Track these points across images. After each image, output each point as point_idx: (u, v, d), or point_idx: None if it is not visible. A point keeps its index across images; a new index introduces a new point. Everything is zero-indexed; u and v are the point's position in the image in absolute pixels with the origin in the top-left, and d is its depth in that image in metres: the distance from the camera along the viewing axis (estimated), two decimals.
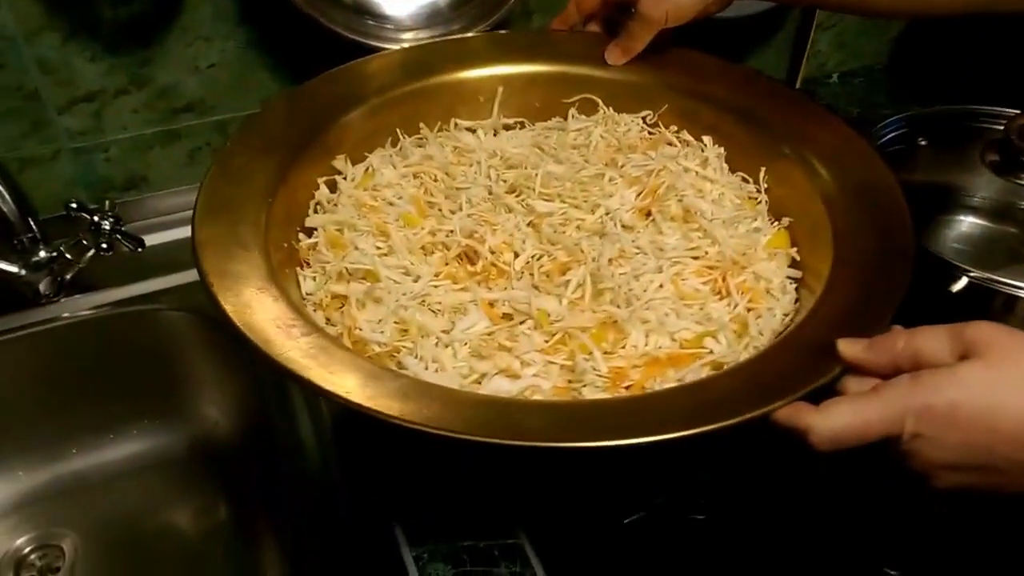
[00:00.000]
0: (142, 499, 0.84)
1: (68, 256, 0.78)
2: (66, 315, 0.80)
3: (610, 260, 0.58)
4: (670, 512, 0.63)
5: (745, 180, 0.69)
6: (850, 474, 0.58)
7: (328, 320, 0.58)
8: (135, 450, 0.88)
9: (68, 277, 0.80)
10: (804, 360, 0.48)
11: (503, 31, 0.81)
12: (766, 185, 0.68)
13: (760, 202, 0.67)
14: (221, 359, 0.85)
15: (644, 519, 0.60)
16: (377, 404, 0.44)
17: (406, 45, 0.77)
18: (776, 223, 0.65)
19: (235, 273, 0.53)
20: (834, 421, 0.41)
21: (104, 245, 0.79)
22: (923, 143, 0.73)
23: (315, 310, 0.58)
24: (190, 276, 0.84)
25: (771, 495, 0.64)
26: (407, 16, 0.80)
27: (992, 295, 0.62)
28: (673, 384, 0.52)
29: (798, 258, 0.62)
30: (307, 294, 0.59)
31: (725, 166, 0.70)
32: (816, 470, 0.53)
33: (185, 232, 0.89)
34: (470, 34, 0.79)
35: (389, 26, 0.79)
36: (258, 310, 0.51)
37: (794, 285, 0.60)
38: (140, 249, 0.82)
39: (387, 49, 0.77)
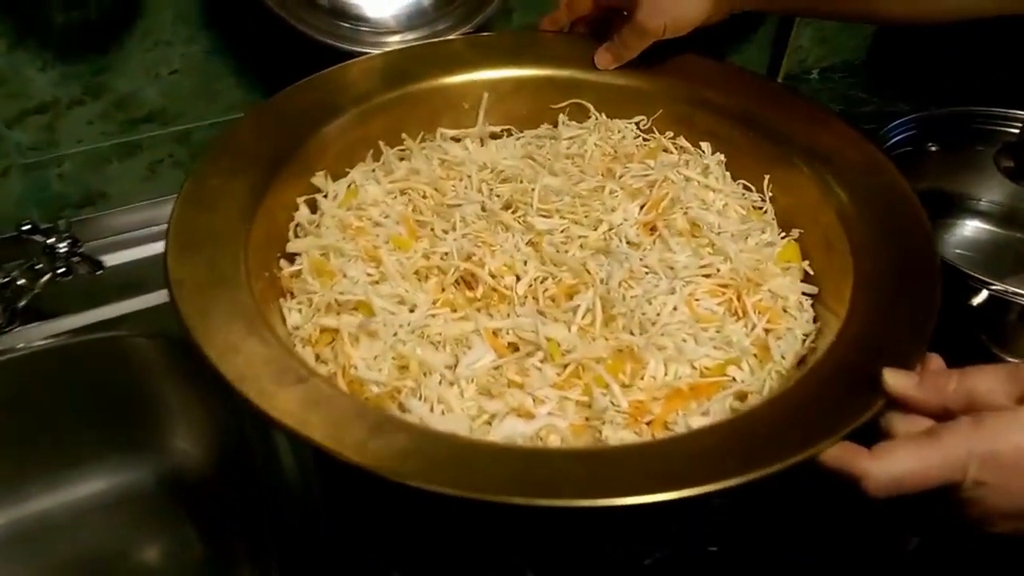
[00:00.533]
0: (111, 540, 0.78)
1: (21, 281, 0.73)
2: (21, 346, 0.74)
3: (620, 282, 0.55)
4: (684, 542, 0.60)
5: (747, 188, 0.66)
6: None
7: (318, 357, 0.53)
8: (101, 487, 0.83)
9: (22, 304, 0.74)
10: (841, 392, 0.45)
11: (487, 33, 0.76)
12: (771, 194, 0.65)
13: (766, 212, 0.64)
14: (190, 386, 0.80)
15: (660, 559, 0.57)
16: (391, 465, 0.40)
17: (385, 49, 0.73)
18: (784, 235, 0.62)
19: (217, 313, 0.48)
20: (893, 467, 0.38)
21: (61, 268, 0.74)
22: (932, 146, 0.71)
23: (303, 346, 0.53)
24: (153, 299, 0.79)
25: (784, 522, 0.61)
26: (387, 17, 0.75)
27: (1007, 306, 0.60)
28: (698, 418, 0.49)
29: (812, 272, 0.59)
30: (293, 328, 0.55)
31: (727, 174, 0.67)
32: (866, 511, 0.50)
33: (147, 251, 0.85)
34: (452, 36, 0.75)
35: (366, 28, 0.74)
36: (247, 355, 0.46)
37: (810, 302, 0.57)
38: (99, 271, 0.77)
39: (365, 54, 0.72)
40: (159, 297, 0.79)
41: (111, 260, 0.81)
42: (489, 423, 0.49)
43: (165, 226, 0.54)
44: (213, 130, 0.83)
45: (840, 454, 0.40)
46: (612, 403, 0.49)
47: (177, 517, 0.81)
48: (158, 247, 0.82)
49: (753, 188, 0.66)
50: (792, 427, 0.43)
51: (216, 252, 0.53)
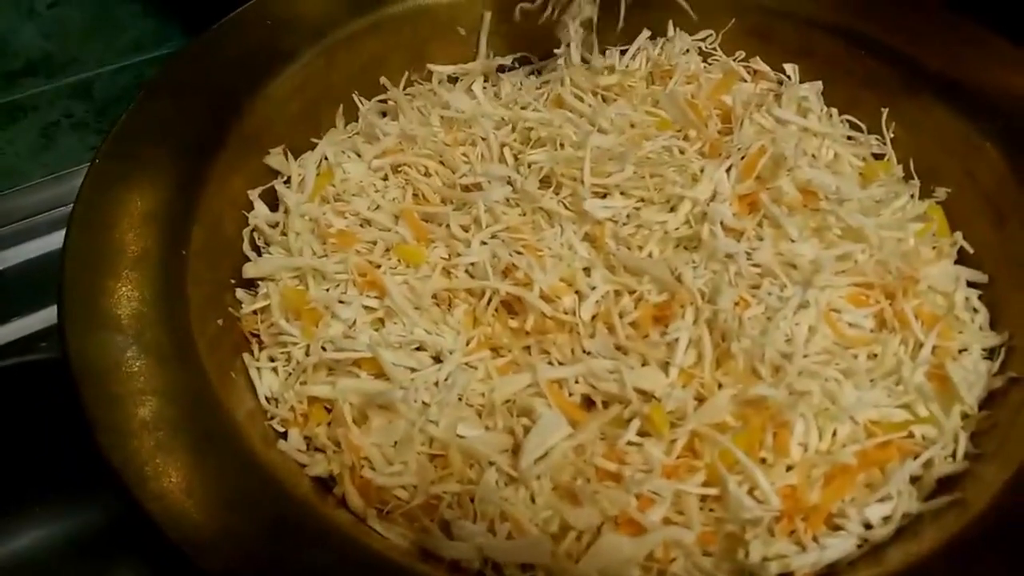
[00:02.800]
0: None
1: None
2: None
3: (730, 297, 0.38)
4: None
5: (855, 127, 0.49)
6: None
7: (310, 443, 0.37)
8: (43, 534, 0.67)
9: None
10: None
11: None
12: (892, 134, 0.48)
13: (892, 162, 0.47)
14: None
15: None
16: None
17: None
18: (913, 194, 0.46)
19: (153, 420, 0.31)
20: None
21: None
22: None
23: (284, 428, 0.37)
24: None
25: None
26: None
27: None
28: (877, 506, 0.34)
29: (970, 249, 0.43)
30: (268, 398, 0.38)
31: (832, 111, 0.50)
32: None
33: (54, 241, 0.66)
34: None
35: None
36: (202, 493, 0.30)
37: (977, 294, 0.42)
38: None
39: None
40: None
41: (7, 260, 0.63)
42: (579, 539, 0.33)
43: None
44: (121, 77, 0.63)
45: None
46: (755, 496, 0.33)
47: (135, 562, 0.66)
48: None
49: (864, 127, 0.49)
50: None
51: (138, 301, 0.35)
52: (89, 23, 0.59)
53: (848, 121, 0.49)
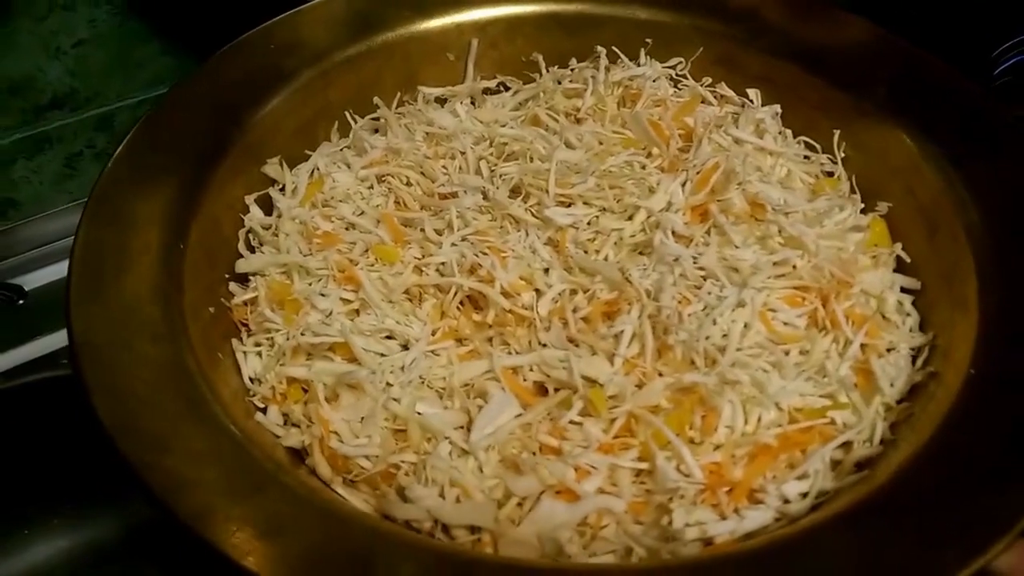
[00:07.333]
0: None
1: None
2: None
3: (673, 295, 0.42)
4: None
5: (810, 147, 0.53)
6: None
7: (287, 419, 0.41)
8: (59, 547, 0.70)
9: None
10: (1002, 451, 0.33)
11: None
12: (843, 154, 0.51)
13: (839, 178, 0.51)
14: None
15: None
16: None
17: None
18: (863, 208, 0.49)
19: (140, 384, 0.35)
20: None
21: None
22: None
23: (266, 405, 0.41)
24: None
25: None
26: None
27: None
28: (794, 483, 0.37)
29: (907, 258, 0.46)
30: (252, 380, 0.42)
31: (788, 131, 0.53)
32: None
33: None
34: None
35: None
36: (183, 454, 0.34)
37: (911, 300, 0.45)
38: (21, 300, 0.63)
39: None
40: None
41: (32, 282, 0.67)
42: (520, 505, 0.37)
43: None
44: (141, 110, 0.68)
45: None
46: (680, 471, 0.37)
47: (154, 573, 0.69)
48: None
49: (817, 146, 0.53)
50: (943, 514, 0.31)
51: (138, 287, 0.40)
52: (111, 61, 0.65)
53: (804, 142, 0.53)
